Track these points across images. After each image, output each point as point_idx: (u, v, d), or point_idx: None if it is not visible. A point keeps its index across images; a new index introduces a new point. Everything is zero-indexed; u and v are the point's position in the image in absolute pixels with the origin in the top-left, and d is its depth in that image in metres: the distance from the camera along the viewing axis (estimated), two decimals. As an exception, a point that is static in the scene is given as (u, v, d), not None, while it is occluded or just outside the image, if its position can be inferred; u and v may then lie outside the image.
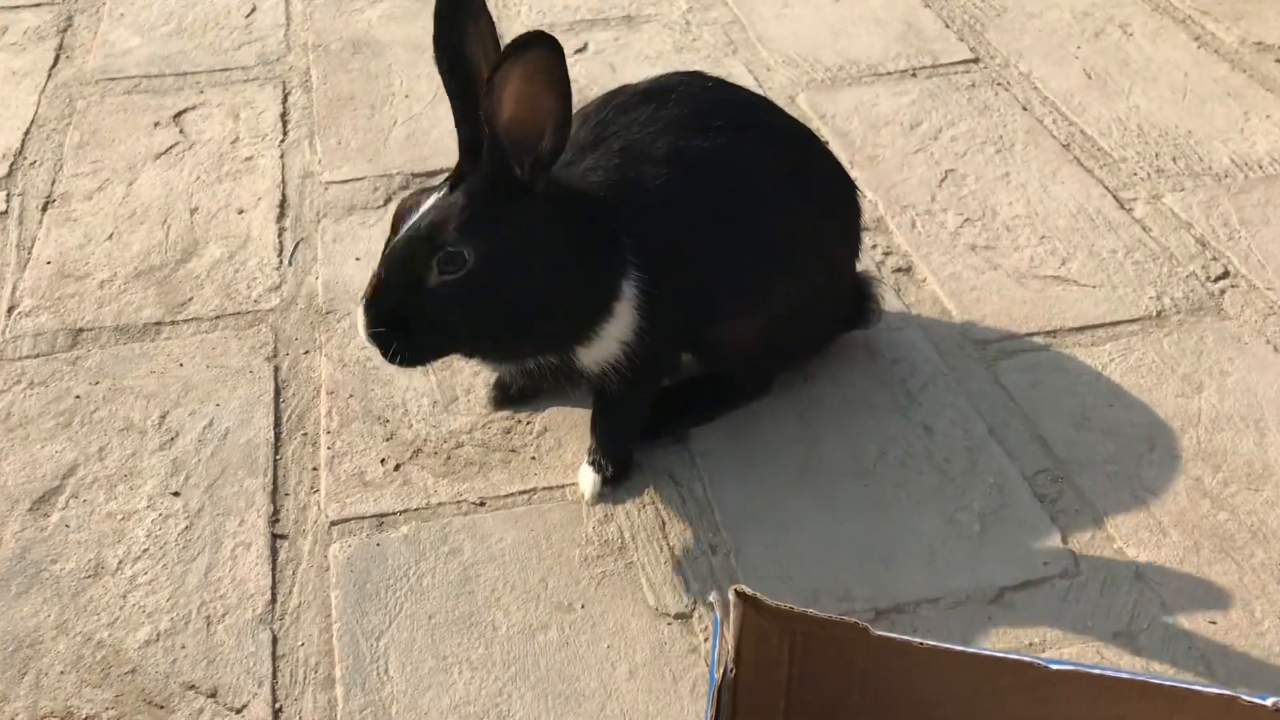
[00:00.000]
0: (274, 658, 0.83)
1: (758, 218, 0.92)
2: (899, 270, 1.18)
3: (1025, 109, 1.43)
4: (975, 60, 1.52)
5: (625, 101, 0.93)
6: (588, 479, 0.95)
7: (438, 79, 0.84)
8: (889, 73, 1.51)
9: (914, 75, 1.50)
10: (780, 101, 1.42)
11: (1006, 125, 1.40)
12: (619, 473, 0.95)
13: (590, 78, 1.50)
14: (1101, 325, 1.11)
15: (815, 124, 1.39)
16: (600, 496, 0.95)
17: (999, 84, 1.47)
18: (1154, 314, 1.12)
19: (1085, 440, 0.99)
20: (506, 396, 1.03)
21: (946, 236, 1.22)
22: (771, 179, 0.93)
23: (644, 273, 0.87)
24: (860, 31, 1.60)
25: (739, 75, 1.49)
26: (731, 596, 0.65)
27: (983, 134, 1.38)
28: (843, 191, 1.01)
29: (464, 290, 0.80)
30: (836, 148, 1.31)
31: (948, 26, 1.60)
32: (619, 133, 0.91)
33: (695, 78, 0.95)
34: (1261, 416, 1.01)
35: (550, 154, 0.81)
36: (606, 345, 0.88)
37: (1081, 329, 1.10)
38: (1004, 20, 1.61)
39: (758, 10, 1.65)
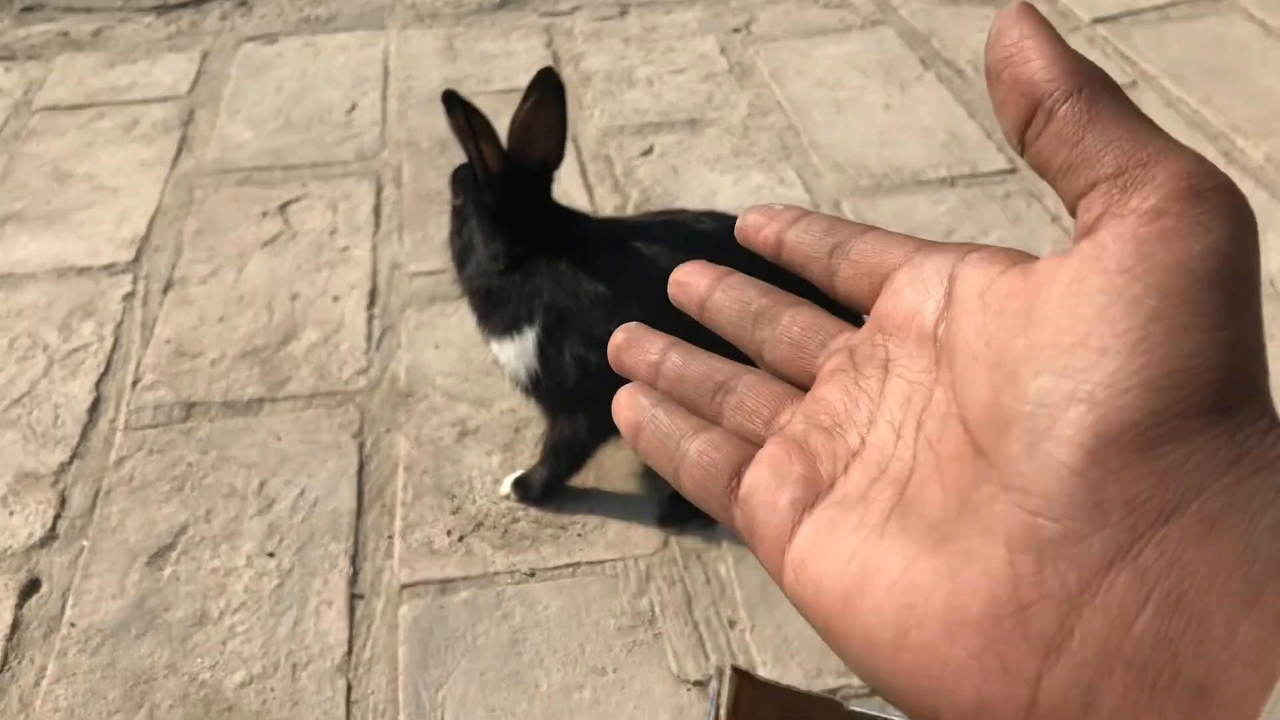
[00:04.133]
0: (348, 703, 0.97)
1: None
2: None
3: (1054, 220, 1.54)
4: (1012, 171, 1.64)
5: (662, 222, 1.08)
6: (507, 484, 1.16)
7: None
8: (929, 181, 1.63)
9: (953, 184, 1.62)
10: (826, 207, 1.55)
11: (1035, 235, 1.51)
12: (525, 498, 1.15)
13: (654, 179, 1.65)
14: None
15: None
16: (506, 498, 1.16)
17: (1032, 195, 1.59)
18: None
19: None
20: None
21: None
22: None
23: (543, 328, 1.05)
24: (907, 139, 1.72)
25: (790, 179, 1.63)
26: (728, 671, 0.78)
27: (1012, 242, 1.49)
28: None
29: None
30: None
31: (989, 137, 1.72)
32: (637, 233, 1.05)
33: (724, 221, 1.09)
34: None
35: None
36: (511, 358, 1.08)
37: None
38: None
39: (812, 117, 1.79)
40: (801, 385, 0.33)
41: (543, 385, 1.07)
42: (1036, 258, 0.27)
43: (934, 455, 0.27)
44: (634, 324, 0.37)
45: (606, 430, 1.10)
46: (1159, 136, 0.25)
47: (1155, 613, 0.21)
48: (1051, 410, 0.23)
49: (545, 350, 1.04)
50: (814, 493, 0.28)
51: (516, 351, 1.06)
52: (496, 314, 1.08)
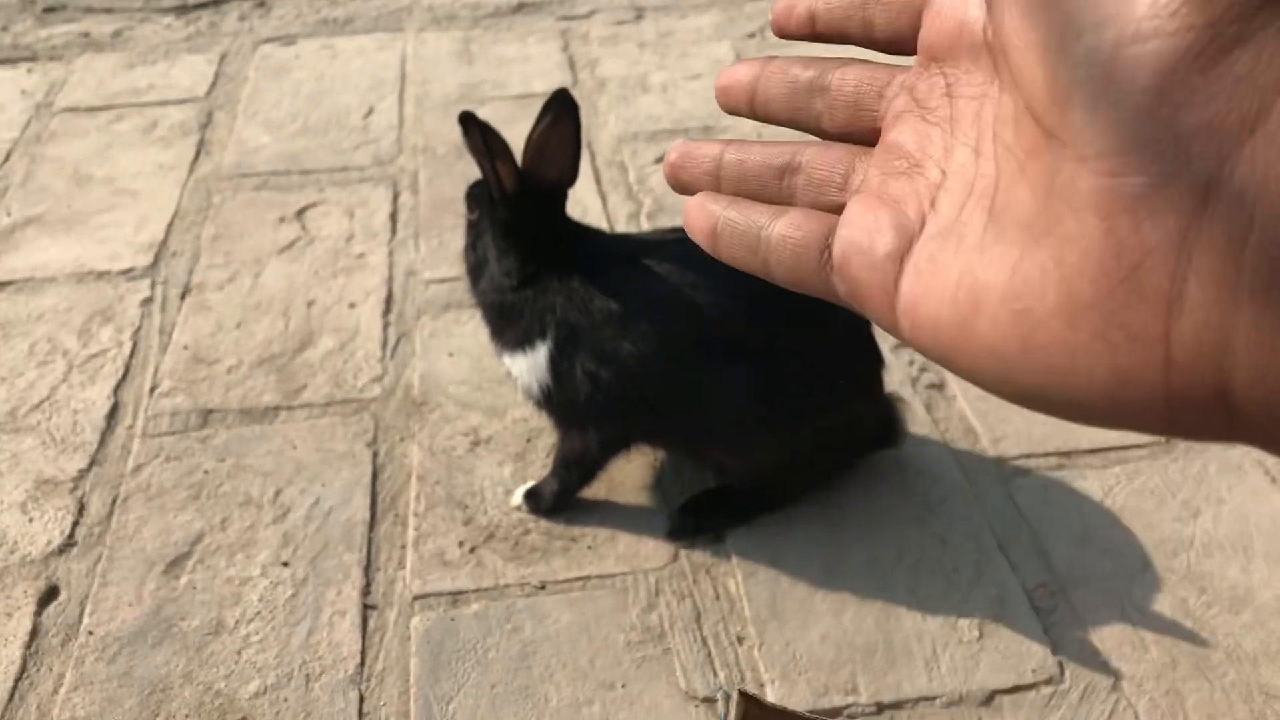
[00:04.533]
0: (360, 714, 0.99)
1: (709, 377, 1.04)
2: (931, 386, 1.31)
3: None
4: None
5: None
6: (518, 495, 1.17)
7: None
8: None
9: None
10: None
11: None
12: (535, 509, 1.16)
13: (667, 187, 1.65)
14: (1113, 449, 1.22)
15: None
16: (517, 509, 1.17)
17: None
18: (1162, 439, 1.22)
19: (1085, 558, 1.10)
20: None
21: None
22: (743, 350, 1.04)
23: (555, 343, 1.07)
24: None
25: (804, 188, 1.63)
26: (735, 694, 0.79)
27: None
28: (854, 365, 1.12)
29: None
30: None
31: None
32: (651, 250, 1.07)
33: None
34: (1250, 544, 1.11)
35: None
36: (523, 372, 1.10)
37: (1094, 451, 1.22)
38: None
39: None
40: (869, 143, 0.32)
41: (554, 400, 1.08)
42: None
43: (1014, 157, 0.26)
44: (683, 140, 0.35)
45: (617, 444, 1.12)
46: None
47: (1262, 230, 0.20)
48: (1104, 65, 0.22)
49: (557, 365, 1.06)
50: (908, 237, 0.28)
51: (529, 365, 1.08)
52: (509, 329, 1.09)
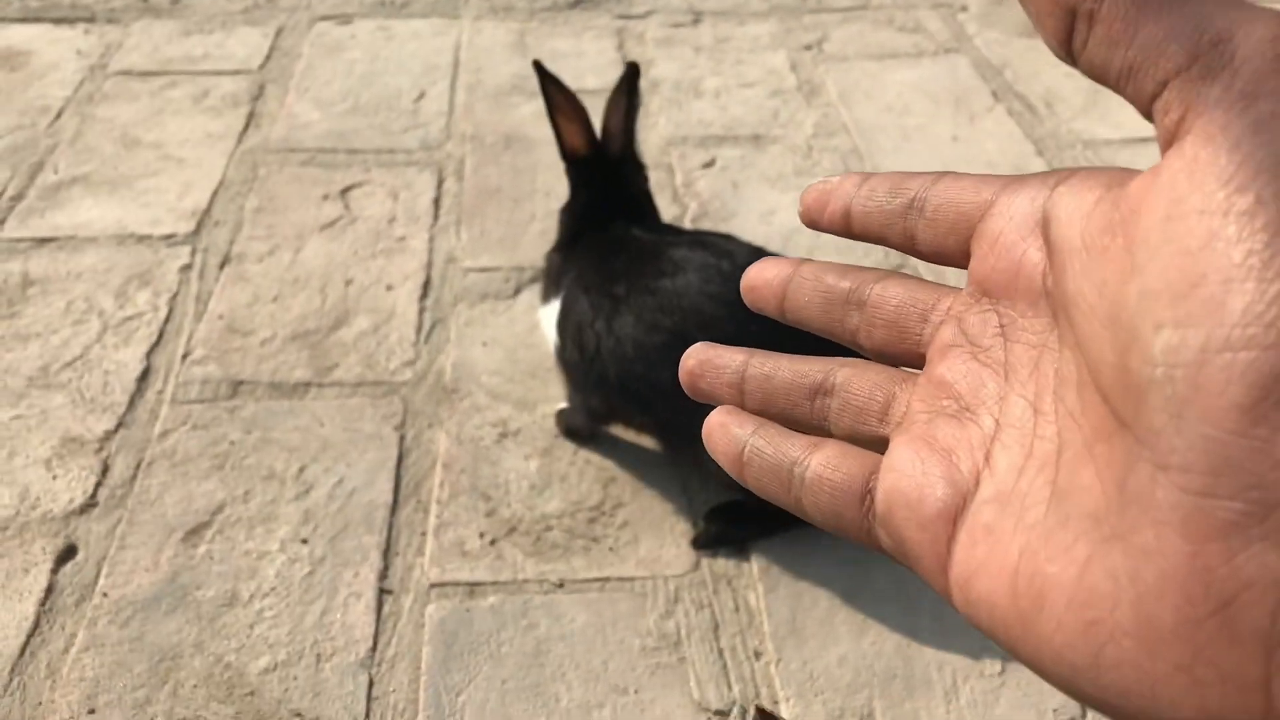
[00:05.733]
0: (369, 699, 0.98)
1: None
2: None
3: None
4: (1077, 213, 1.61)
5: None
6: (558, 406, 1.23)
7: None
8: (992, 217, 1.61)
9: (1015, 222, 1.60)
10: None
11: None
12: (557, 425, 1.23)
13: (713, 192, 1.64)
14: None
15: (914, 261, 1.50)
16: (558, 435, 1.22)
17: (1095, 240, 1.56)
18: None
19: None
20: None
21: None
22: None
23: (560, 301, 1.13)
24: (970, 171, 1.70)
25: (851, 204, 1.61)
26: (751, 710, 0.77)
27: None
28: None
29: None
30: (928, 289, 1.42)
31: (1056, 177, 1.69)
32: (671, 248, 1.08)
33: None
34: None
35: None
36: (543, 323, 1.18)
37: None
38: (1111, 176, 1.70)
39: (878, 141, 1.77)
40: (909, 364, 0.30)
41: (557, 356, 1.16)
42: (1135, 174, 0.23)
43: (1079, 431, 0.23)
44: (701, 344, 0.33)
45: (599, 417, 1.17)
46: (1231, 5, 0.21)
47: None
48: (1187, 370, 0.19)
49: (561, 325, 1.12)
50: (961, 494, 0.25)
51: (547, 318, 1.16)
52: (548, 280, 1.19)
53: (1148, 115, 0.22)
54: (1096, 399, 0.22)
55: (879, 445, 0.28)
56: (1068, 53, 0.23)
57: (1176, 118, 0.21)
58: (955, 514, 0.25)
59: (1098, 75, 0.23)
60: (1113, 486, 0.21)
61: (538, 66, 1.08)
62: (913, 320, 0.29)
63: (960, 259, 0.29)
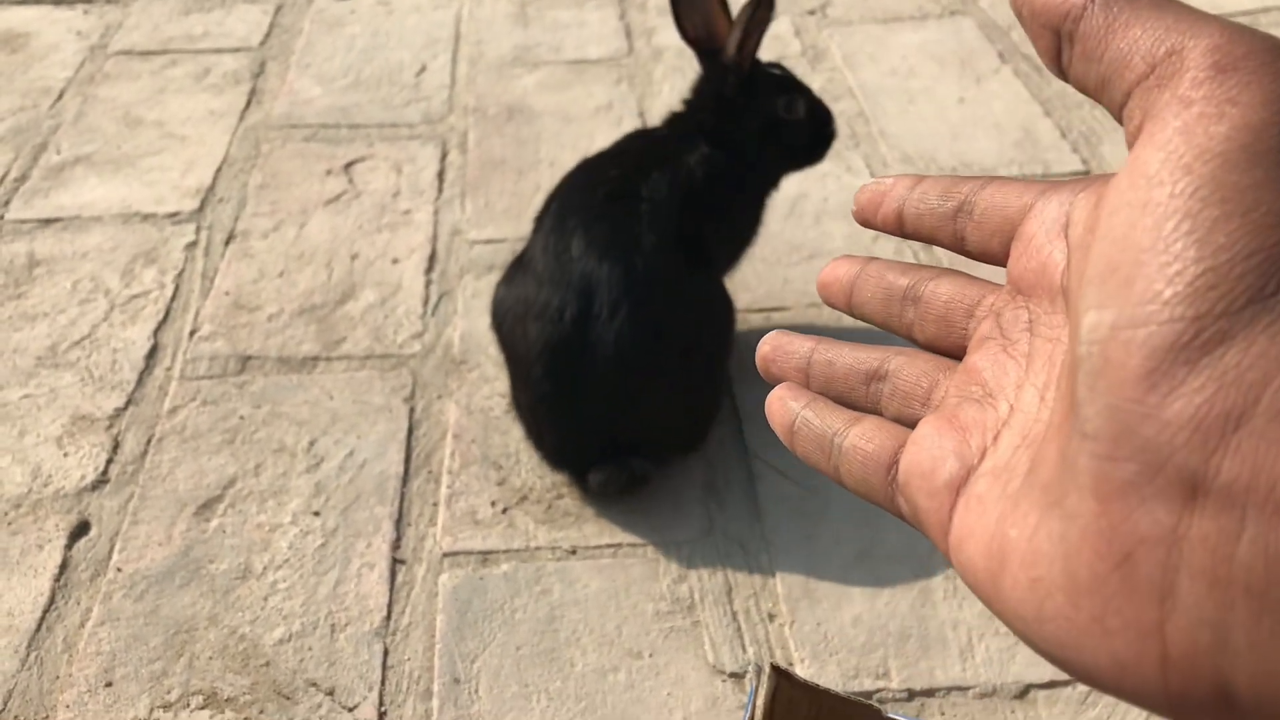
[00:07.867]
0: (384, 667, 0.98)
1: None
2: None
3: (1126, 226, 1.50)
4: (1085, 172, 1.60)
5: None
6: None
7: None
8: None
9: (1023, 183, 1.59)
10: (891, 199, 1.52)
11: (1105, 241, 1.48)
12: None
13: (719, 159, 1.62)
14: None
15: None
16: None
17: (1104, 199, 1.55)
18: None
19: (1129, 556, 1.07)
20: None
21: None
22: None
23: None
24: (978, 134, 1.69)
25: (857, 167, 1.61)
26: (767, 668, 0.77)
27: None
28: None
29: None
30: (940, 250, 1.41)
31: (1064, 137, 1.68)
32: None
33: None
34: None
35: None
36: None
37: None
38: (1119, 135, 1.68)
39: (883, 105, 1.76)
40: (958, 356, 0.32)
41: None
42: None
43: (1058, 413, 0.25)
44: (777, 331, 0.36)
45: None
46: (1188, 17, 0.23)
47: (1255, 530, 0.19)
48: (1102, 346, 0.22)
49: None
50: (966, 468, 0.28)
51: None
52: None
53: (1120, 122, 0.24)
54: (1071, 383, 0.25)
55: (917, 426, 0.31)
56: (1059, 70, 0.26)
57: (1137, 123, 0.23)
58: (959, 485, 0.28)
59: (1083, 89, 0.25)
60: (1059, 458, 0.24)
61: None
62: (959, 315, 0.32)
63: (1004, 259, 0.31)
